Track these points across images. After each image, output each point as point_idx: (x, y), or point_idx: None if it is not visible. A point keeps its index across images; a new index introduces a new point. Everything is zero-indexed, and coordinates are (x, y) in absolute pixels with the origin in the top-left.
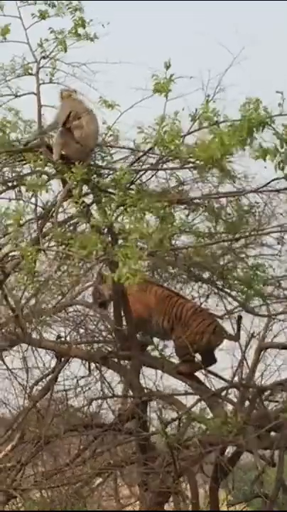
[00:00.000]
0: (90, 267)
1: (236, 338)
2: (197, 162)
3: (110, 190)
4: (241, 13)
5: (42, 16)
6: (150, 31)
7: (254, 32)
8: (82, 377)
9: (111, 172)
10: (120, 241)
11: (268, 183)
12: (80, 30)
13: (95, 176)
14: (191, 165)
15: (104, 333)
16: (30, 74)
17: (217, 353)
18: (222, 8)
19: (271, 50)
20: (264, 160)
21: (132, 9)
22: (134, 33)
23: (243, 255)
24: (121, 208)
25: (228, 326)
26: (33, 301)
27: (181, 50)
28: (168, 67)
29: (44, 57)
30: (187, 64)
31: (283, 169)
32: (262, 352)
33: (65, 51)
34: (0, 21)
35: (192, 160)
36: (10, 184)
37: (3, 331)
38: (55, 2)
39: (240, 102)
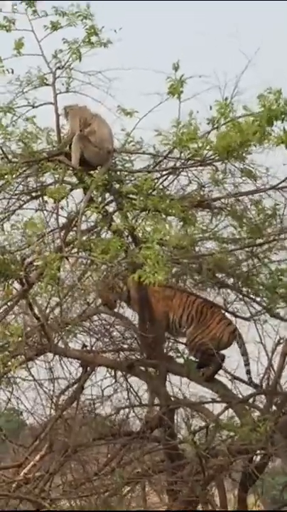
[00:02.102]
0: (111, 270)
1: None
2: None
3: (131, 196)
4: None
5: (55, 27)
6: (160, 33)
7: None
8: (108, 386)
9: (132, 178)
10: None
11: None
12: (93, 38)
13: (116, 182)
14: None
15: (129, 341)
16: (47, 84)
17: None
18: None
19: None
20: (286, 147)
21: (138, 10)
22: (143, 36)
23: (267, 260)
24: (143, 213)
25: (253, 329)
26: (57, 310)
27: (191, 51)
28: (176, 68)
29: (59, 68)
30: (199, 65)
31: None
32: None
33: (80, 60)
34: (13, 35)
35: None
36: (34, 194)
37: (30, 340)
38: (66, 11)
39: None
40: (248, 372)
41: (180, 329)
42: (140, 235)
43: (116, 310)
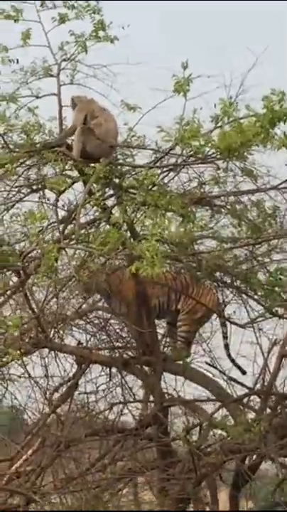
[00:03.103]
0: (108, 261)
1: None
2: (218, 157)
3: (131, 190)
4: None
5: (63, 19)
6: (168, 30)
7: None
8: (103, 383)
9: (133, 173)
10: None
11: None
12: (100, 33)
13: (116, 176)
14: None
15: (124, 339)
16: (51, 76)
17: (239, 360)
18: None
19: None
20: None
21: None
22: (152, 32)
23: (266, 260)
24: (143, 207)
25: (251, 335)
26: (53, 302)
27: (201, 50)
28: (185, 67)
29: (65, 60)
30: (208, 64)
31: None
32: (284, 359)
33: (86, 53)
34: (20, 26)
35: (213, 156)
36: (34, 187)
37: (26, 335)
38: (74, 3)
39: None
40: (226, 346)
41: (170, 308)
42: (139, 229)
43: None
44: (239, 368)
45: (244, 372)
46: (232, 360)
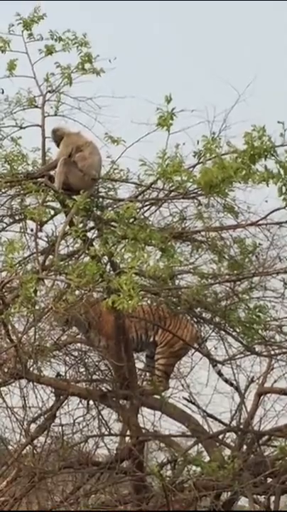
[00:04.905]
0: (85, 294)
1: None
2: (199, 192)
3: (112, 223)
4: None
5: (49, 51)
6: (154, 65)
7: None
8: (80, 416)
9: (114, 205)
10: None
11: (269, 214)
12: (86, 65)
13: (97, 208)
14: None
15: (103, 372)
16: (36, 106)
17: (216, 396)
18: (227, 41)
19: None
20: (267, 185)
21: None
22: (138, 65)
23: (246, 297)
24: (123, 240)
25: (228, 371)
26: (31, 332)
27: (184, 84)
28: (169, 101)
29: (50, 91)
30: (190, 98)
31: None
32: (261, 397)
33: (70, 85)
34: (7, 57)
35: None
36: (17, 218)
37: (4, 365)
38: (62, 36)
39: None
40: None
41: (148, 339)
42: (118, 261)
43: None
44: (232, 384)
45: (234, 387)
46: (225, 380)
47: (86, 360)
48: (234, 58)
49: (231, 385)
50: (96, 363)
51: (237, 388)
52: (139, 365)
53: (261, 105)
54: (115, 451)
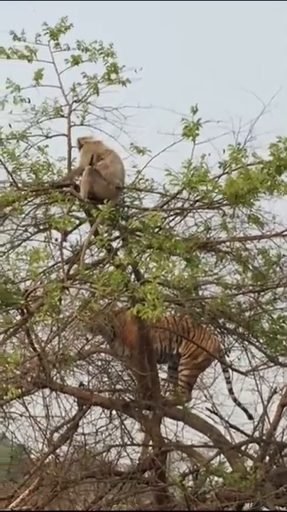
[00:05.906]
0: (110, 303)
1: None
2: (224, 203)
3: (137, 233)
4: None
5: (76, 61)
6: (177, 74)
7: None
8: (102, 426)
9: (139, 215)
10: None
11: None
12: (112, 76)
13: (122, 217)
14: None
15: (126, 382)
16: (62, 116)
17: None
18: (249, 51)
19: None
20: None
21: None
22: (160, 76)
23: (270, 307)
24: (148, 250)
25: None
26: (55, 341)
27: (211, 94)
28: (195, 111)
29: (76, 101)
30: (217, 108)
31: None
32: (284, 408)
33: (97, 95)
34: (34, 66)
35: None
36: (41, 227)
37: (27, 374)
38: (88, 46)
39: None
40: (230, 391)
41: (171, 351)
42: (142, 271)
43: None
44: (246, 411)
45: (250, 417)
46: (238, 404)
47: (109, 370)
48: (255, 70)
49: (245, 410)
50: (120, 373)
51: (246, 411)
52: (162, 375)
53: (285, 116)
54: (137, 461)
